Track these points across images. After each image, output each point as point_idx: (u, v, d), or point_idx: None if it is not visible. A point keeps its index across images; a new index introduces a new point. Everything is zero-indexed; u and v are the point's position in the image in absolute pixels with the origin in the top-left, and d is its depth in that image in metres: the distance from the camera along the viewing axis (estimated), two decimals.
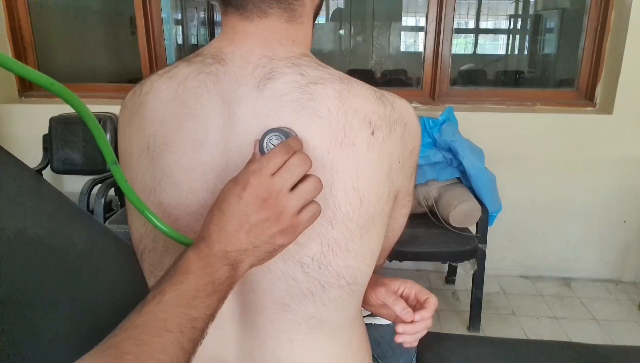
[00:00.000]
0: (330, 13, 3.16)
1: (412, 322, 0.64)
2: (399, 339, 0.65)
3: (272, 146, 0.49)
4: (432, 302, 0.67)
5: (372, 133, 0.53)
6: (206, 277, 0.44)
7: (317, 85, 0.53)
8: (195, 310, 0.43)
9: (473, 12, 3.35)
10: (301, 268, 0.53)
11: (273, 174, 0.46)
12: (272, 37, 0.56)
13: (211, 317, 0.45)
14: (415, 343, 0.67)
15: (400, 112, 0.56)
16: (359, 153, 0.52)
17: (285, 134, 0.50)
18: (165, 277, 0.44)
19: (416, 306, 0.68)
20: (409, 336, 0.65)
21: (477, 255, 1.79)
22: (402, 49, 3.20)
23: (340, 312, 0.58)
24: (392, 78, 2.94)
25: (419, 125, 0.59)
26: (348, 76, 0.56)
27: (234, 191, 0.46)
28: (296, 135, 0.51)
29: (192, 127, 0.54)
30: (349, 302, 0.58)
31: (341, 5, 3.23)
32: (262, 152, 0.50)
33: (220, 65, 0.55)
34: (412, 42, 3.18)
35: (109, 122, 2.10)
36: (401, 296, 0.69)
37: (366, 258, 0.56)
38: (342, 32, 3.06)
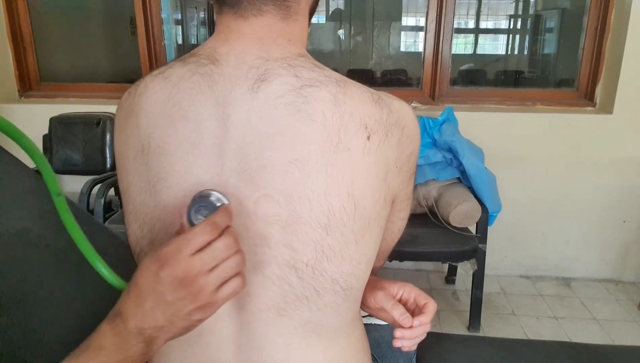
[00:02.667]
0: (330, 13, 3.15)
1: (410, 327, 0.64)
2: (397, 343, 0.65)
3: (200, 219, 0.47)
4: (431, 306, 0.66)
5: (368, 137, 0.52)
6: (120, 354, 0.44)
7: (312, 87, 0.52)
8: None
9: (473, 12, 3.34)
10: (296, 274, 0.52)
11: (194, 254, 0.45)
12: (267, 36, 0.55)
13: None
14: (414, 348, 0.66)
15: (398, 115, 0.55)
16: (354, 158, 0.51)
17: (214, 206, 0.48)
18: (77, 350, 0.44)
19: (415, 310, 0.67)
20: (407, 340, 0.64)
21: (477, 255, 1.79)
22: (402, 49, 3.19)
23: (336, 316, 0.57)
24: (392, 78, 2.93)
25: (418, 128, 0.58)
26: (345, 78, 0.55)
27: (151, 269, 0.45)
28: (227, 203, 0.49)
29: (186, 129, 0.53)
30: (345, 306, 0.57)
31: (341, 6, 3.22)
32: (190, 222, 0.48)
33: (215, 66, 0.54)
34: (412, 42, 3.17)
35: (109, 122, 2.10)
36: (400, 300, 0.68)
37: (361, 264, 0.56)
38: (342, 32, 3.06)
